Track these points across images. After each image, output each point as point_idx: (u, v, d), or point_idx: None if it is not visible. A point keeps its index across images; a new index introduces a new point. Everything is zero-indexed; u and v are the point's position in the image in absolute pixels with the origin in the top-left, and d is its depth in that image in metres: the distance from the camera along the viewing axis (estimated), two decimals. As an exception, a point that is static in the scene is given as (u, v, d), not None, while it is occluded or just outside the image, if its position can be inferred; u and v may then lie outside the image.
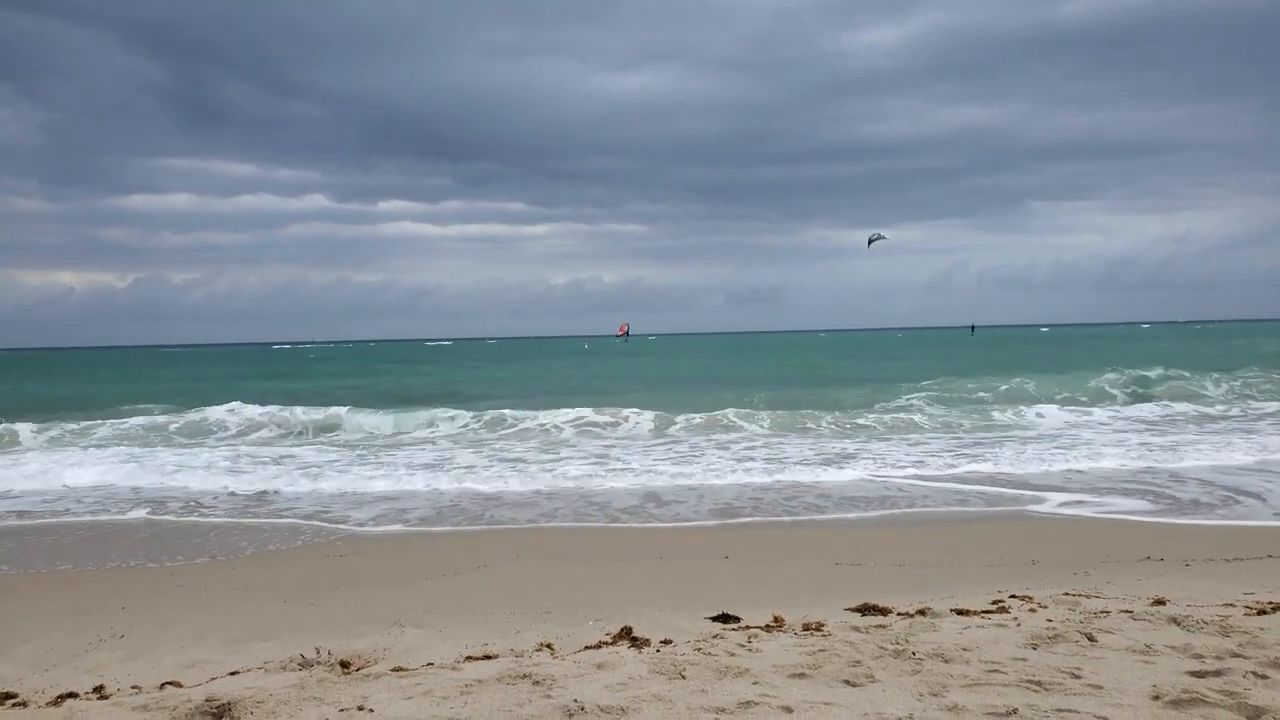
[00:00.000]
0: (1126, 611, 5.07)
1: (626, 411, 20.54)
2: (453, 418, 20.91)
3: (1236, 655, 4.12)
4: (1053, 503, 10.41)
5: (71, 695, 4.39)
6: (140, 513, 10.93)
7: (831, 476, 12.47)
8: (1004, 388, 25.47)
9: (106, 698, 4.30)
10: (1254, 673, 3.83)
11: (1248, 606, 5.23)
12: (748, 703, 3.64)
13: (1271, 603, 5.31)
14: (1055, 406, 21.34)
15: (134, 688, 4.53)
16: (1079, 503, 10.37)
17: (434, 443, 17.92)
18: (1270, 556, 7.39)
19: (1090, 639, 4.45)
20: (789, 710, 3.56)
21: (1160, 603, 5.41)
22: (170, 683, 4.58)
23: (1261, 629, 4.56)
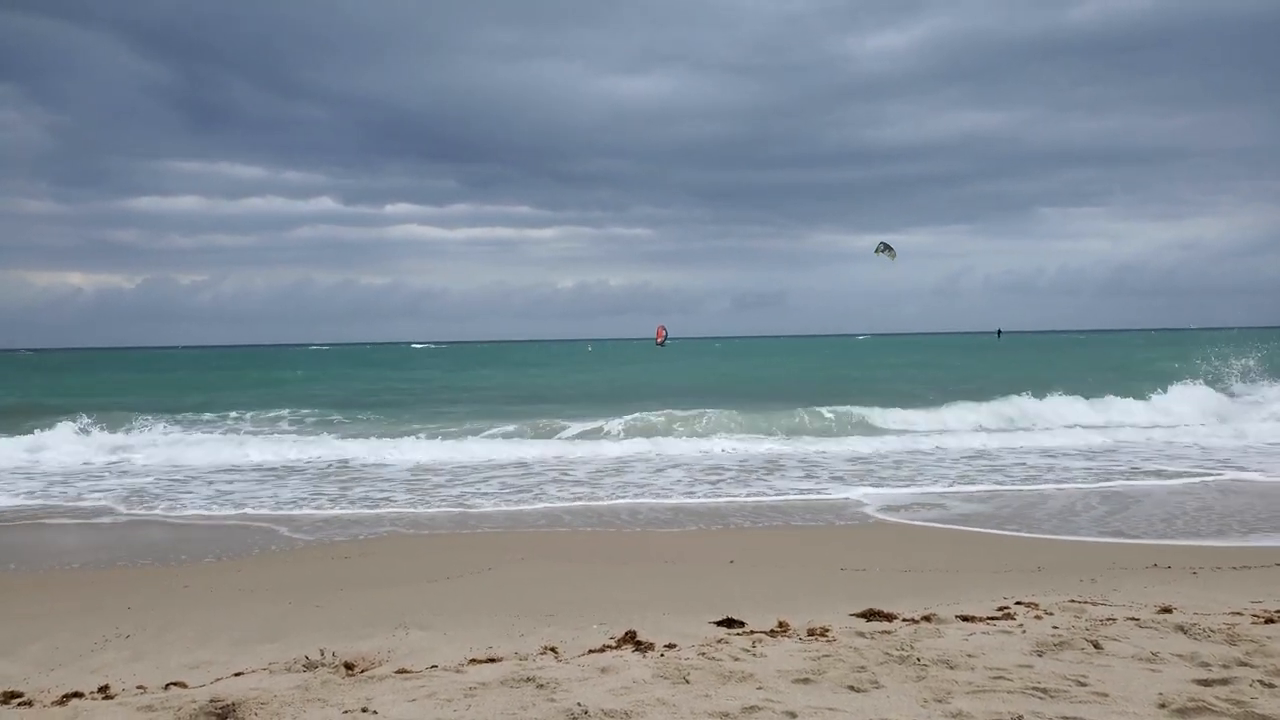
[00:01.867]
0: (1133, 619, 5.05)
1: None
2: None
3: (1243, 664, 4.10)
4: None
5: (77, 695, 4.41)
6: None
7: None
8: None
9: (112, 698, 4.31)
10: (1261, 681, 3.81)
11: (1255, 615, 5.20)
12: (752, 708, 3.63)
13: (1279, 611, 5.28)
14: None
15: (139, 688, 4.55)
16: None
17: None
18: (1279, 565, 7.35)
19: (1096, 646, 4.43)
20: (793, 715, 3.55)
21: (1167, 610, 5.38)
22: (175, 683, 4.59)
23: (1269, 638, 4.54)
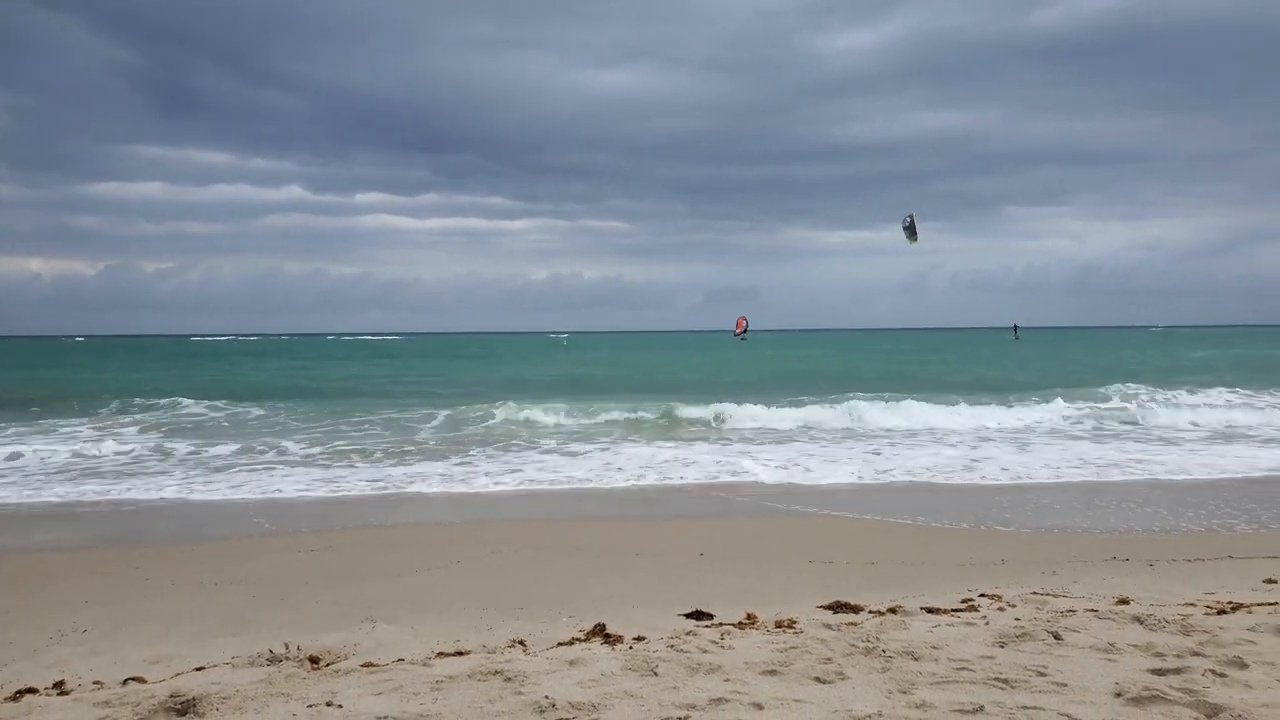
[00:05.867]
0: (1092, 610, 5.15)
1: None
2: None
3: (1196, 654, 4.20)
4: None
5: (31, 691, 4.30)
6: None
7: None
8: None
9: (67, 693, 4.22)
10: (1213, 671, 3.90)
11: (1208, 606, 5.34)
12: (719, 699, 3.65)
13: (1231, 602, 5.42)
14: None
15: (96, 683, 4.45)
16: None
17: None
18: (1230, 557, 7.55)
19: (1056, 637, 4.51)
20: (760, 707, 3.58)
21: (1124, 602, 5.50)
22: (134, 678, 4.50)
23: (1221, 628, 4.65)
